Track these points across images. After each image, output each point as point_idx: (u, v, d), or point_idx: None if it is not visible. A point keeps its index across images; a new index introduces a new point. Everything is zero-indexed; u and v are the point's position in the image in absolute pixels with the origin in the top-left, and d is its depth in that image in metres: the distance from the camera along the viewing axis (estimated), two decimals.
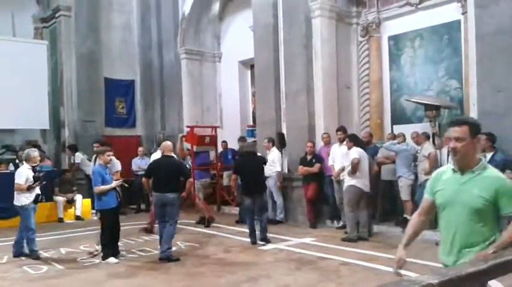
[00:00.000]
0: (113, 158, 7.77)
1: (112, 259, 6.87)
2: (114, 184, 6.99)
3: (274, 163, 9.64)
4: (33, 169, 7.38)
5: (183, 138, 11.30)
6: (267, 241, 7.87)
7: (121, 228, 7.27)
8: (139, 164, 12.26)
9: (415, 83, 9.37)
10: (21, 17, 14.12)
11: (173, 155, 7.58)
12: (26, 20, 14.31)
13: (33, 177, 7.22)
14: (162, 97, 14.47)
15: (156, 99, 14.56)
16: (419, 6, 9.11)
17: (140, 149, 12.76)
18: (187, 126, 12.21)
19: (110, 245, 6.98)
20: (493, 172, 2.77)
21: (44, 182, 7.69)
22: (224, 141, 12.58)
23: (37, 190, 7.28)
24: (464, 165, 2.77)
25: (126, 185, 7.73)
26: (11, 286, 5.91)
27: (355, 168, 7.80)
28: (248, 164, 8.12)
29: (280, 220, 9.66)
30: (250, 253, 7.30)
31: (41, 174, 7.58)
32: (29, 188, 7.10)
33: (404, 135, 8.62)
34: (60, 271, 6.51)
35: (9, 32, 13.76)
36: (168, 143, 7.50)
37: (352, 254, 6.89)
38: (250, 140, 11.56)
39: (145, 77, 14.58)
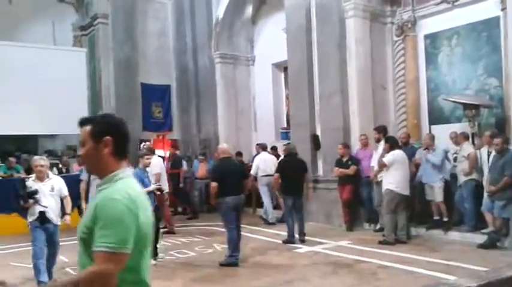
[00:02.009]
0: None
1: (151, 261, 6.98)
2: (151, 187, 7.09)
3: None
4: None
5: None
6: (304, 240, 8.11)
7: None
8: None
9: (453, 82, 9.15)
10: (61, 25, 14.63)
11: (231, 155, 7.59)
12: (66, 29, 14.80)
13: (27, 193, 5.87)
14: (197, 101, 14.64)
15: (192, 103, 14.74)
16: (456, 3, 8.89)
17: (177, 152, 12.93)
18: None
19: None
20: (113, 188, 1.99)
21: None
22: (258, 144, 12.60)
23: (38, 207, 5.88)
24: (98, 177, 2.12)
25: (163, 190, 7.79)
26: None
27: (380, 166, 7.84)
28: (290, 165, 8.37)
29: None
30: (286, 256, 7.29)
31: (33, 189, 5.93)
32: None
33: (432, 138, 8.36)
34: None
35: (50, 41, 14.27)
36: (225, 145, 7.53)
37: (390, 257, 6.78)
38: (284, 142, 11.55)
39: (180, 82, 14.78)
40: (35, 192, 5.78)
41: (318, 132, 10.22)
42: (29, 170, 11.46)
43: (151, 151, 9.29)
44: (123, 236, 1.89)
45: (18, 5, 13.43)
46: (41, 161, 5.93)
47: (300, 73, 10.53)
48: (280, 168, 8.66)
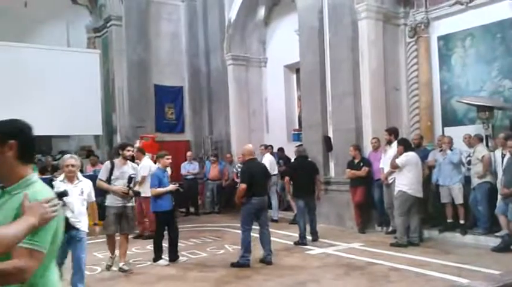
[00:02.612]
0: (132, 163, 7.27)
1: (162, 262, 7.04)
2: (169, 187, 7.11)
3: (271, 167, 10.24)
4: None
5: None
6: (317, 239, 8.30)
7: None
8: (188, 168, 12.50)
9: (467, 83, 9.08)
10: (75, 27, 14.79)
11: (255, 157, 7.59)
12: (80, 31, 14.95)
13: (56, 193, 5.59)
14: (209, 103, 14.70)
15: (204, 105, 14.80)
16: (470, 4, 8.82)
17: (189, 153, 13.01)
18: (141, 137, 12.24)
19: (160, 248, 7.15)
20: (32, 190, 2.04)
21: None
22: (270, 146, 12.62)
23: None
24: (4, 183, 2.12)
25: (182, 189, 7.82)
26: None
27: (392, 168, 7.82)
28: (301, 167, 8.47)
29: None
30: (298, 257, 7.30)
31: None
32: None
33: (451, 140, 8.30)
34: (114, 272, 6.71)
35: (65, 43, 14.45)
36: (250, 146, 7.52)
37: (402, 260, 6.75)
38: (296, 143, 11.57)
39: (193, 83, 14.85)
40: (65, 193, 5.03)
41: (330, 134, 10.20)
42: (43, 170, 11.65)
43: (142, 152, 9.33)
44: (46, 237, 1.98)
45: (33, 8, 13.58)
46: (71, 160, 5.26)
47: (313, 75, 10.52)
48: (291, 170, 8.70)
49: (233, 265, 6.77)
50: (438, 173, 8.18)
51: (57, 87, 12.66)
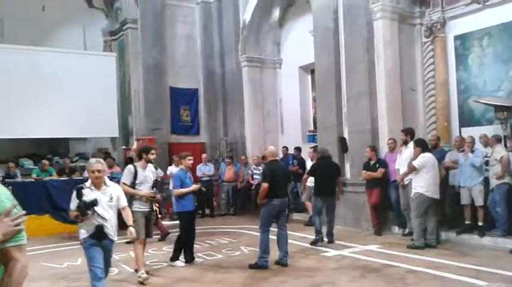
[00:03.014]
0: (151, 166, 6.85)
1: (179, 262, 7.07)
2: (192, 187, 7.12)
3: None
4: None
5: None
6: (332, 241, 8.32)
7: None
8: (203, 170, 12.55)
9: (484, 83, 8.97)
10: (92, 31, 14.96)
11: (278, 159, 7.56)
12: (96, 34, 15.13)
13: (86, 203, 4.66)
14: (224, 104, 14.74)
15: (219, 107, 14.85)
16: (487, 3, 8.72)
17: (204, 155, 13.06)
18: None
19: (180, 249, 7.17)
20: None
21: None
22: (285, 147, 12.62)
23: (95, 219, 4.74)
24: None
25: (204, 189, 7.76)
26: None
27: (409, 169, 7.73)
28: (324, 167, 8.50)
29: None
30: (313, 259, 7.27)
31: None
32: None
33: (473, 140, 8.18)
34: (131, 274, 6.76)
35: (81, 46, 14.62)
36: (273, 148, 7.55)
37: (419, 262, 6.68)
38: (311, 145, 11.55)
39: (208, 86, 14.91)
40: (94, 203, 4.63)
41: (345, 135, 10.16)
42: (61, 172, 11.81)
43: (139, 156, 8.91)
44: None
45: (50, 12, 13.78)
46: (98, 165, 4.77)
47: (328, 75, 10.49)
48: (313, 170, 8.79)
49: (251, 266, 6.77)
50: (459, 174, 8.05)
51: (74, 90, 12.81)
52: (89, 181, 4.81)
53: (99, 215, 4.66)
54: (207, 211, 12.64)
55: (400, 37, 9.60)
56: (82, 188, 4.73)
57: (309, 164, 10.40)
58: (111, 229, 4.79)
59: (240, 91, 13.99)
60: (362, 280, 6.03)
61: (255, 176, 12.17)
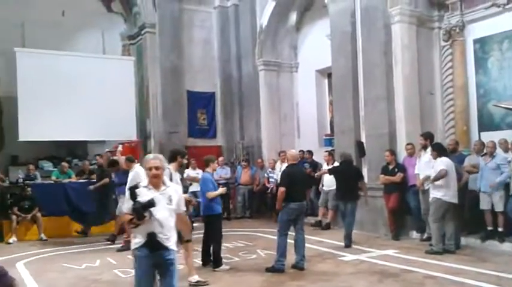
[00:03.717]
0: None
1: (224, 267, 7.06)
2: (220, 190, 7.18)
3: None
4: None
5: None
6: (350, 246, 8.32)
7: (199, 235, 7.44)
8: (220, 173, 12.58)
9: (504, 87, 8.85)
10: (110, 35, 15.11)
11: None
12: (115, 38, 15.27)
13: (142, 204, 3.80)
14: (240, 108, 14.79)
15: (235, 110, 14.90)
16: (507, 6, 8.63)
17: (221, 158, 13.10)
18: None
19: (209, 252, 7.19)
20: None
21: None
22: (301, 151, 12.59)
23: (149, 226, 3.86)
24: None
25: (227, 192, 7.82)
26: None
27: (439, 178, 7.51)
28: (345, 172, 8.57)
29: None
30: (331, 263, 7.25)
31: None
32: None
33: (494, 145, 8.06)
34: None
35: (100, 50, 14.78)
36: (294, 151, 7.65)
37: (438, 268, 6.61)
38: (327, 149, 11.54)
39: (225, 89, 14.97)
40: (152, 203, 3.76)
41: (363, 139, 10.11)
42: (79, 175, 11.95)
43: (130, 160, 8.62)
44: None
45: (70, 16, 13.98)
46: (156, 161, 3.99)
47: (345, 79, 10.47)
48: (333, 171, 8.95)
49: (268, 269, 6.77)
50: (480, 178, 7.94)
51: (93, 93, 12.96)
52: (145, 180, 4.04)
53: (156, 219, 3.81)
54: (224, 214, 12.64)
55: (418, 41, 9.54)
56: (137, 187, 3.95)
57: (325, 167, 10.43)
58: (168, 236, 3.89)
59: (256, 95, 14.02)
60: (379, 285, 5.98)
61: (270, 180, 12.18)
